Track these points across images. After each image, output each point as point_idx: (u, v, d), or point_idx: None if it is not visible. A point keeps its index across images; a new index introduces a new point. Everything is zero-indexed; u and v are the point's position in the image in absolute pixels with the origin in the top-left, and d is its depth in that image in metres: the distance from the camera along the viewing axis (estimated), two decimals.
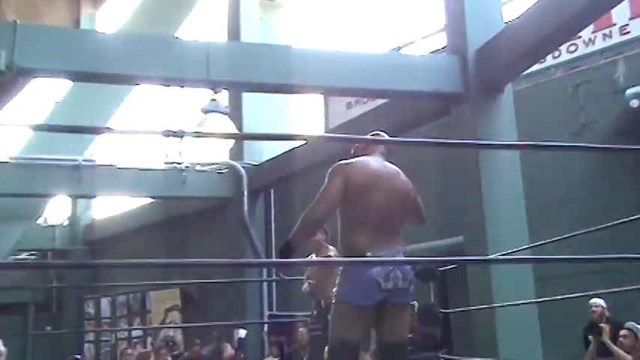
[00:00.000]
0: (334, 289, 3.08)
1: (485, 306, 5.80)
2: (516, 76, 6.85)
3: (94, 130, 5.02)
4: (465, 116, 6.83)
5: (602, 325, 5.61)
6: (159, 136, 13.31)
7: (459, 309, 6.02)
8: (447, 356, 5.49)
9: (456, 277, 6.34)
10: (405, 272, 3.00)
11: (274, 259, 3.26)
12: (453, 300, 6.82)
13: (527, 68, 6.73)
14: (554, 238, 4.46)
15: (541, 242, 4.79)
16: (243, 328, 8.32)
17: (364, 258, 2.94)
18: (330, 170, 3.17)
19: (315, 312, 4.32)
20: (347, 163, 3.17)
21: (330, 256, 4.51)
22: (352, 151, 3.45)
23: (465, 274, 6.53)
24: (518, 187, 6.50)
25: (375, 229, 3.01)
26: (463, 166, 7.11)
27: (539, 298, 5.86)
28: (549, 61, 7.63)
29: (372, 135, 3.47)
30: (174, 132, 2.85)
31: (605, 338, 5.48)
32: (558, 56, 7.64)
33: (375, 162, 3.23)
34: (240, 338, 7.50)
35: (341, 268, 3.11)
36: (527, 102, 7.41)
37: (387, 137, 3.50)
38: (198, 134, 4.56)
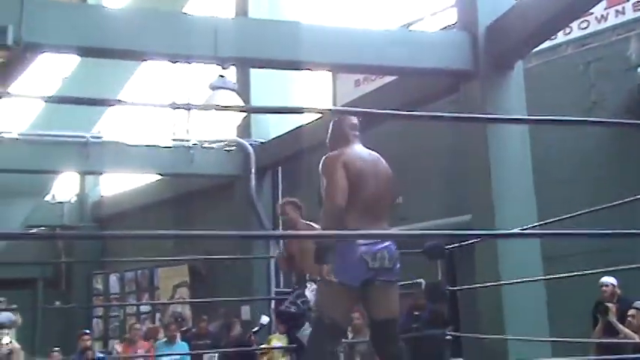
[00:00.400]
0: (327, 270, 3.12)
1: (492, 283, 5.80)
2: (527, 54, 6.78)
3: (103, 102, 5.01)
4: (474, 93, 6.77)
5: (608, 304, 5.60)
6: (166, 113, 13.30)
7: (467, 287, 6.02)
8: (454, 334, 5.50)
9: (463, 255, 6.33)
10: (391, 252, 3.12)
11: (280, 232, 3.31)
12: (461, 278, 6.83)
13: (538, 45, 6.66)
14: (563, 216, 4.44)
15: (549, 220, 4.76)
16: (265, 314, 8.23)
17: (358, 232, 3.06)
18: (323, 165, 3.26)
19: (296, 286, 4.29)
20: (338, 154, 3.27)
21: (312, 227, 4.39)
22: (329, 143, 3.47)
23: (472, 253, 6.52)
24: (527, 165, 6.46)
25: (363, 214, 3.13)
26: (471, 144, 7.07)
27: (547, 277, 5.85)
28: (560, 37, 7.54)
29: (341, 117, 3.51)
30: (182, 105, 2.82)
31: (612, 317, 5.48)
32: (569, 33, 7.54)
33: (362, 150, 3.35)
34: (262, 324, 7.50)
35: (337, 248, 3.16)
36: (538, 79, 7.34)
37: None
38: (205, 107, 4.54)
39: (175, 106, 2.61)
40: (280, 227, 4.44)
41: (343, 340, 3.85)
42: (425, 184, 8.60)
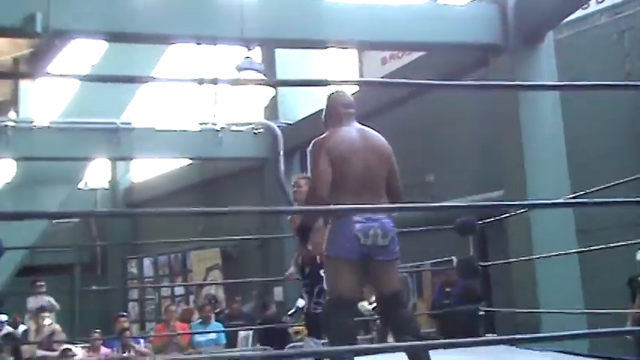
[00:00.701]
0: (323, 248, 3.26)
1: (525, 258, 5.75)
2: (557, 24, 6.64)
3: (136, 79, 5.08)
4: (504, 68, 6.68)
5: None
6: (194, 97, 13.38)
7: (499, 262, 5.97)
8: (486, 309, 5.47)
9: (495, 231, 6.27)
10: (385, 229, 3.15)
11: (304, 207, 3.32)
12: (493, 253, 6.78)
13: (569, 15, 6.51)
14: (596, 188, 4.35)
15: (582, 192, 4.68)
16: (301, 298, 8.29)
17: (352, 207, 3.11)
18: (310, 149, 3.33)
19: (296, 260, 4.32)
20: (323, 138, 3.31)
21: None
22: (323, 122, 3.47)
23: (504, 228, 6.47)
24: (559, 139, 6.37)
25: (357, 193, 3.18)
26: (502, 119, 6.99)
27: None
28: (592, 6, 7.37)
29: (335, 95, 3.52)
30: (209, 80, 2.83)
31: None
32: (602, 1, 7.36)
33: (350, 130, 3.34)
34: (297, 307, 7.51)
35: (328, 227, 3.26)
36: (569, 51, 7.18)
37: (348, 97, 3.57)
38: (232, 81, 4.54)
39: (202, 81, 2.63)
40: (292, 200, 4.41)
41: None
42: (456, 161, 8.54)
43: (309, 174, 3.34)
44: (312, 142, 3.35)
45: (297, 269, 4.36)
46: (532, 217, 6.10)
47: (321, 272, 3.92)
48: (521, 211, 5.61)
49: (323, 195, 3.18)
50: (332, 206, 3.19)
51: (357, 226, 3.11)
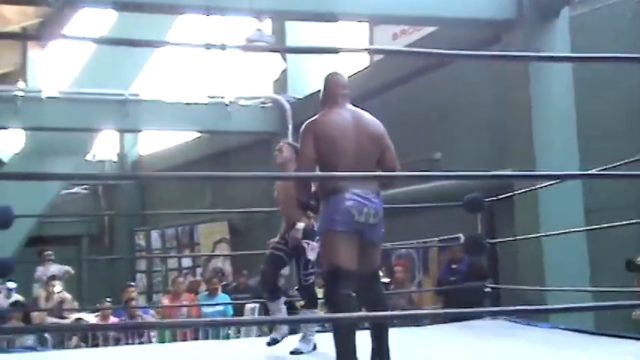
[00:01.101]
0: (318, 223, 3.39)
1: (533, 235, 5.74)
2: (573, 0, 6.55)
3: (143, 44, 5.07)
4: (517, 44, 6.61)
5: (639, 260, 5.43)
6: (204, 70, 13.34)
7: (507, 239, 5.97)
8: (493, 286, 5.48)
9: (502, 208, 6.26)
10: (376, 209, 3.30)
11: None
12: (500, 231, 6.77)
13: None
14: (606, 166, 4.32)
15: (592, 171, 4.65)
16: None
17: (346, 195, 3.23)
18: (301, 131, 3.44)
19: (282, 231, 4.32)
20: (313, 121, 3.41)
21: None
22: (322, 102, 3.53)
23: (512, 205, 6.45)
24: (571, 117, 6.32)
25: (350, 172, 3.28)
26: (513, 96, 6.94)
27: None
28: None
29: (332, 75, 3.59)
30: (217, 45, 2.80)
31: None
32: None
33: (342, 112, 3.42)
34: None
35: (322, 204, 3.35)
36: (583, 29, 7.08)
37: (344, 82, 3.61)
38: (241, 47, 4.50)
39: (210, 46, 2.63)
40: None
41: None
42: (463, 139, 8.49)
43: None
44: (304, 124, 3.44)
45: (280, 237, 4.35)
46: (540, 195, 6.08)
47: (303, 243, 3.96)
48: (529, 188, 5.59)
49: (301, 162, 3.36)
50: (330, 182, 3.30)
51: (351, 203, 3.22)
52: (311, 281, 4.18)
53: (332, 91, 3.49)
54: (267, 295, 4.43)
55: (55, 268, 8.47)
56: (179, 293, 7.69)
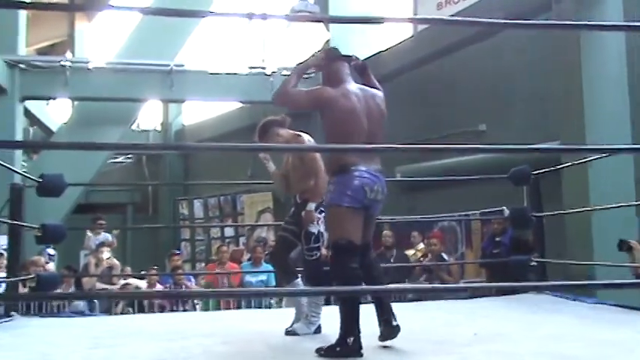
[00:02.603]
0: (328, 197, 3.34)
1: (581, 209, 5.63)
2: None
3: (193, 14, 5.10)
4: (567, 13, 6.41)
5: (631, 241, 5.25)
6: (247, 40, 13.33)
7: (554, 212, 5.86)
8: (539, 259, 5.40)
9: (550, 180, 6.15)
10: (383, 186, 3.38)
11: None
12: (546, 205, 6.66)
13: None
14: None
15: None
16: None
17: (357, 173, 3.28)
18: (319, 87, 3.44)
19: (292, 210, 4.16)
20: (332, 90, 3.38)
21: (303, 141, 4.18)
22: (327, 76, 3.50)
23: (559, 177, 6.33)
24: (623, 86, 6.13)
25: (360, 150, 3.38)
26: (562, 66, 6.76)
27: None
28: None
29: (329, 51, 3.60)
30: (259, 15, 2.79)
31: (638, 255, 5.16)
32: None
33: (354, 86, 3.44)
34: None
35: (332, 179, 3.37)
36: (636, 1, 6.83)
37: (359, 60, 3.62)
38: (285, 17, 4.48)
39: (252, 16, 2.62)
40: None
41: None
42: (510, 110, 8.33)
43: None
44: (321, 87, 3.44)
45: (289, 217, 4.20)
46: (589, 167, 5.94)
47: (316, 215, 3.88)
48: (579, 161, 5.47)
49: (292, 96, 3.40)
50: (342, 156, 3.31)
51: (365, 180, 3.28)
52: (316, 256, 3.95)
53: (341, 66, 3.51)
54: (281, 277, 4.35)
55: (102, 237, 8.69)
56: (223, 262, 7.80)
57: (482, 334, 3.59)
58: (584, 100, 6.27)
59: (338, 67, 3.50)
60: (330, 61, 3.52)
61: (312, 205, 3.90)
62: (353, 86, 3.45)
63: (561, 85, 6.79)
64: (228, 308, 6.72)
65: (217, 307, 6.90)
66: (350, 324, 3.17)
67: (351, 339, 3.14)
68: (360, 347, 3.14)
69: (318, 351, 3.19)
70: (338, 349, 3.14)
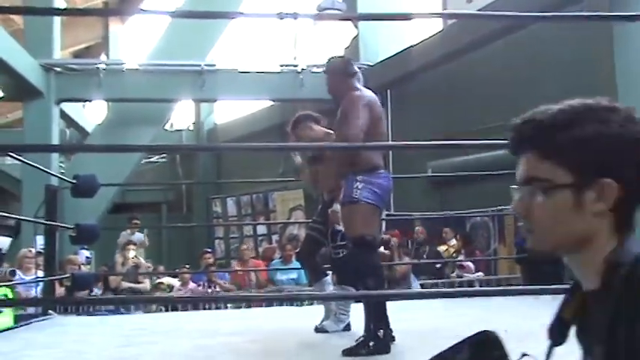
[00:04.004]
0: (356, 193, 3.36)
1: None
2: None
3: (218, 15, 5.13)
4: (600, 5, 6.29)
5: None
6: (277, 39, 13.38)
7: None
8: None
9: None
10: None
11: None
12: None
13: None
14: None
15: None
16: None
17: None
18: (354, 98, 3.46)
19: (320, 207, 4.13)
20: (363, 95, 3.49)
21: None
22: (347, 80, 3.58)
23: None
24: None
25: (379, 152, 3.64)
26: (596, 59, 6.64)
27: None
28: None
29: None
30: (290, 14, 2.81)
31: None
32: None
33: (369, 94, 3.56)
34: None
35: (358, 177, 3.38)
36: None
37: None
38: (314, 16, 4.49)
39: (282, 16, 2.64)
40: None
41: None
42: (542, 104, 8.19)
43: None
44: (352, 94, 3.47)
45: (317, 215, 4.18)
46: None
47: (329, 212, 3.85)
48: None
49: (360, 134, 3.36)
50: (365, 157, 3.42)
51: (390, 183, 3.50)
52: (342, 254, 3.88)
53: (353, 71, 3.62)
54: (310, 275, 4.37)
55: (136, 236, 8.80)
56: (245, 260, 7.86)
57: (513, 332, 3.55)
58: (618, 94, 6.14)
59: (354, 71, 3.67)
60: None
61: (338, 206, 3.86)
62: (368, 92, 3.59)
63: (595, 79, 6.66)
64: (259, 305, 6.78)
65: (248, 305, 6.96)
66: (379, 318, 3.21)
67: (381, 332, 3.18)
68: (393, 339, 3.22)
69: (348, 352, 3.12)
70: (372, 343, 3.14)
